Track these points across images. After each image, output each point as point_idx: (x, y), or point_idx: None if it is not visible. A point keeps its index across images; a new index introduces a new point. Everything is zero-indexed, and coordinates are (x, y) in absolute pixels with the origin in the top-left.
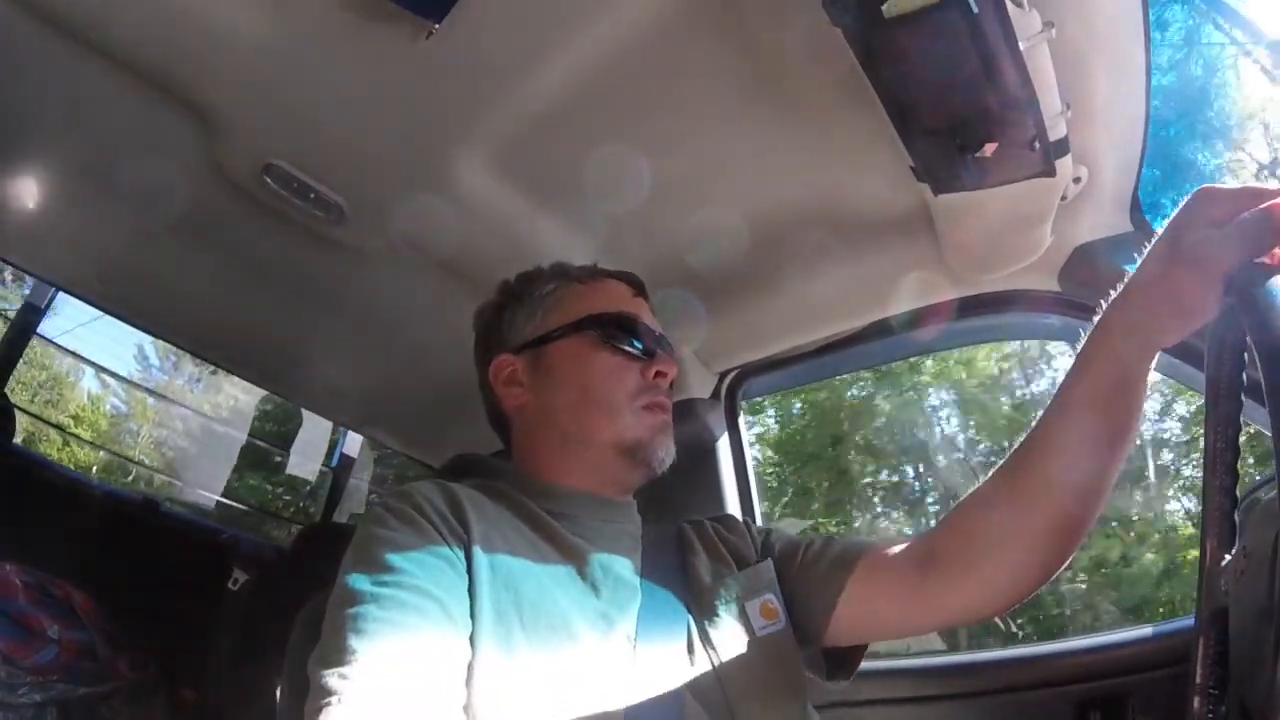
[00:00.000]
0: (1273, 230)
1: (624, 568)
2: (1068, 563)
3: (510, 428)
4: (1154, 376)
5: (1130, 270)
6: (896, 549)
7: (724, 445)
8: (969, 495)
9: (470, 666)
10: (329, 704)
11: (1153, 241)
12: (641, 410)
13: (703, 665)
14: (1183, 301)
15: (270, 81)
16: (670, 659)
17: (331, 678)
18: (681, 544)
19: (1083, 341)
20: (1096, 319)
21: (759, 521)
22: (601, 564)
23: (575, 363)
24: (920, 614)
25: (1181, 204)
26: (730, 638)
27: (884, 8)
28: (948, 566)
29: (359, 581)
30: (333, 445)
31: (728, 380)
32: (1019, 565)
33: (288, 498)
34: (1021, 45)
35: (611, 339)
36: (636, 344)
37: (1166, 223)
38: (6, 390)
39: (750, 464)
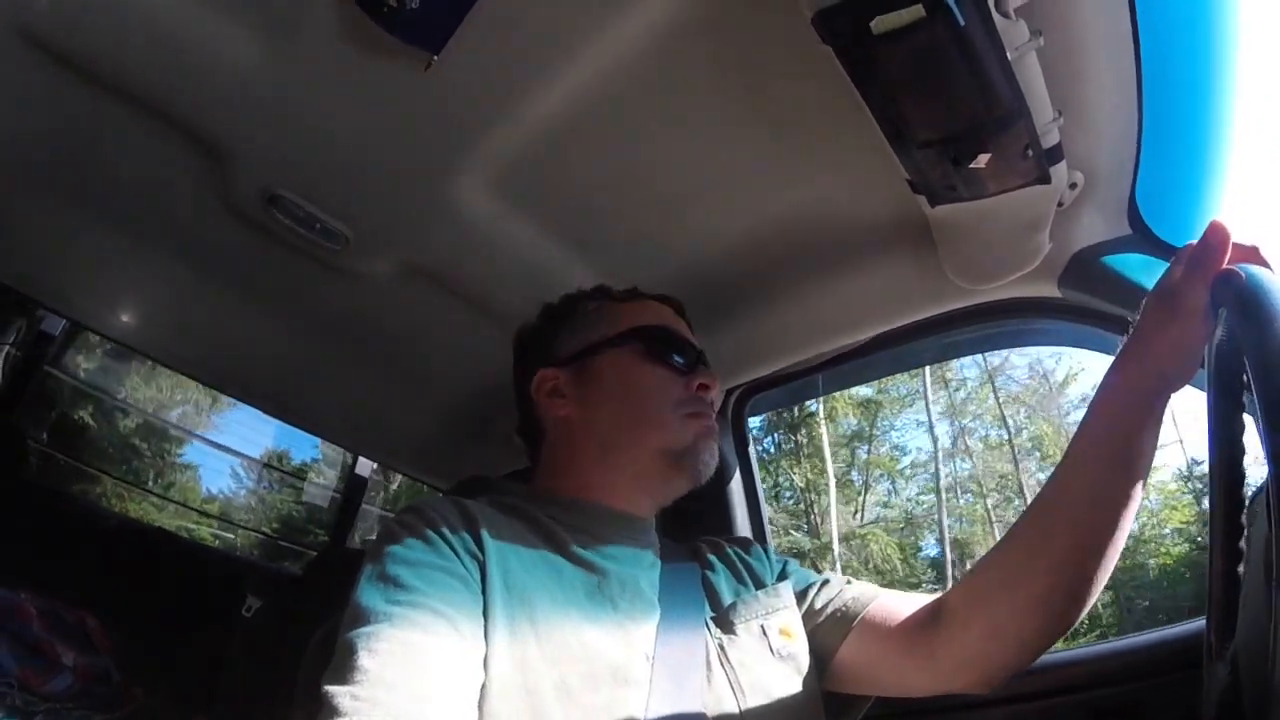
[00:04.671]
0: (1214, 245)
1: (643, 583)
2: (1072, 628)
3: (544, 441)
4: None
5: (1129, 275)
6: (908, 602)
7: (732, 462)
8: (986, 552)
9: (484, 686)
10: None
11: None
12: (686, 417)
13: (721, 683)
14: (1178, 344)
15: (273, 113)
16: (689, 676)
17: (344, 698)
18: (700, 562)
19: (1094, 395)
20: (1104, 376)
21: (769, 540)
22: (620, 578)
23: (620, 374)
24: (919, 671)
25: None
26: (749, 656)
27: (871, 25)
28: (955, 615)
29: (373, 599)
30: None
31: (734, 397)
32: (1025, 615)
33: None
34: (1010, 55)
35: (655, 351)
36: (679, 357)
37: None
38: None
39: (758, 480)
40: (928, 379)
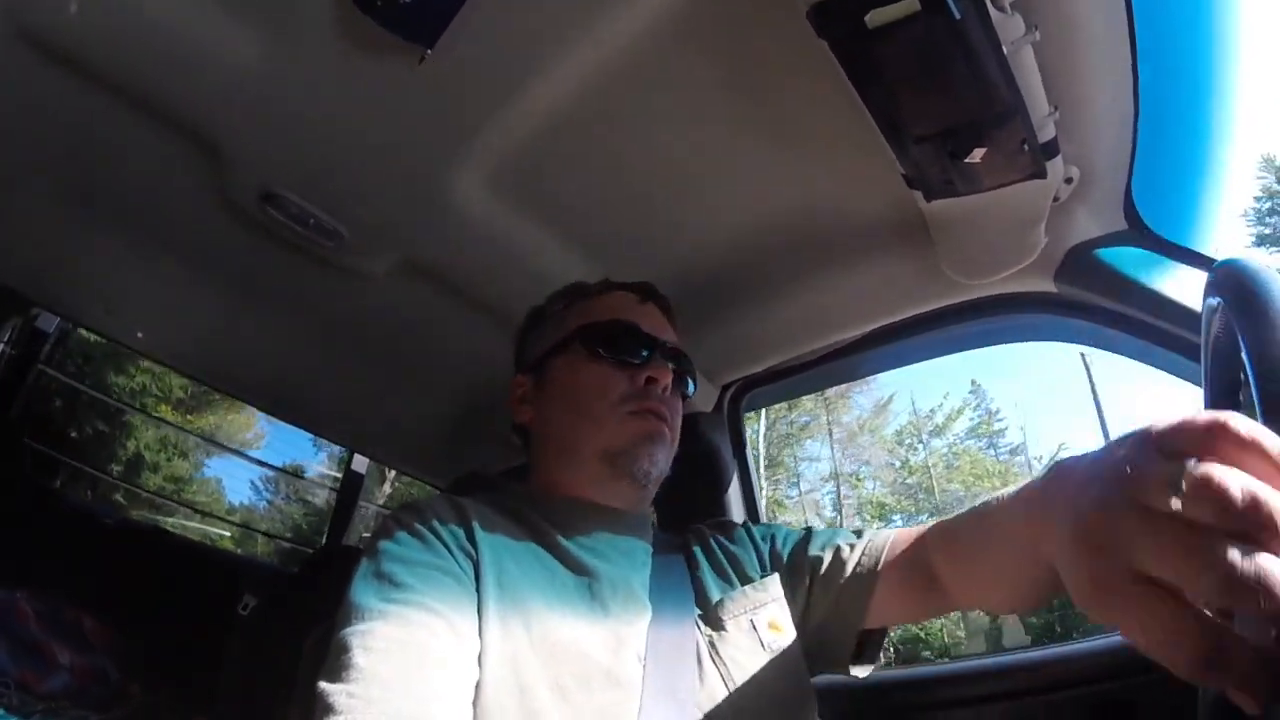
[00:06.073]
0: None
1: (634, 584)
2: None
3: (526, 442)
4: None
5: (1124, 269)
6: (918, 540)
7: (728, 460)
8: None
9: (478, 684)
10: None
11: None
12: (626, 417)
13: (713, 681)
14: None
15: (268, 111)
16: (680, 674)
17: (339, 695)
18: (689, 558)
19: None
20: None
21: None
22: (611, 581)
23: (566, 377)
24: (949, 599)
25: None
26: (740, 653)
27: (866, 19)
28: (950, 587)
29: (368, 597)
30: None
31: (729, 393)
32: (1023, 599)
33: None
34: (1006, 50)
35: (597, 349)
36: (623, 352)
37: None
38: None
39: (754, 478)
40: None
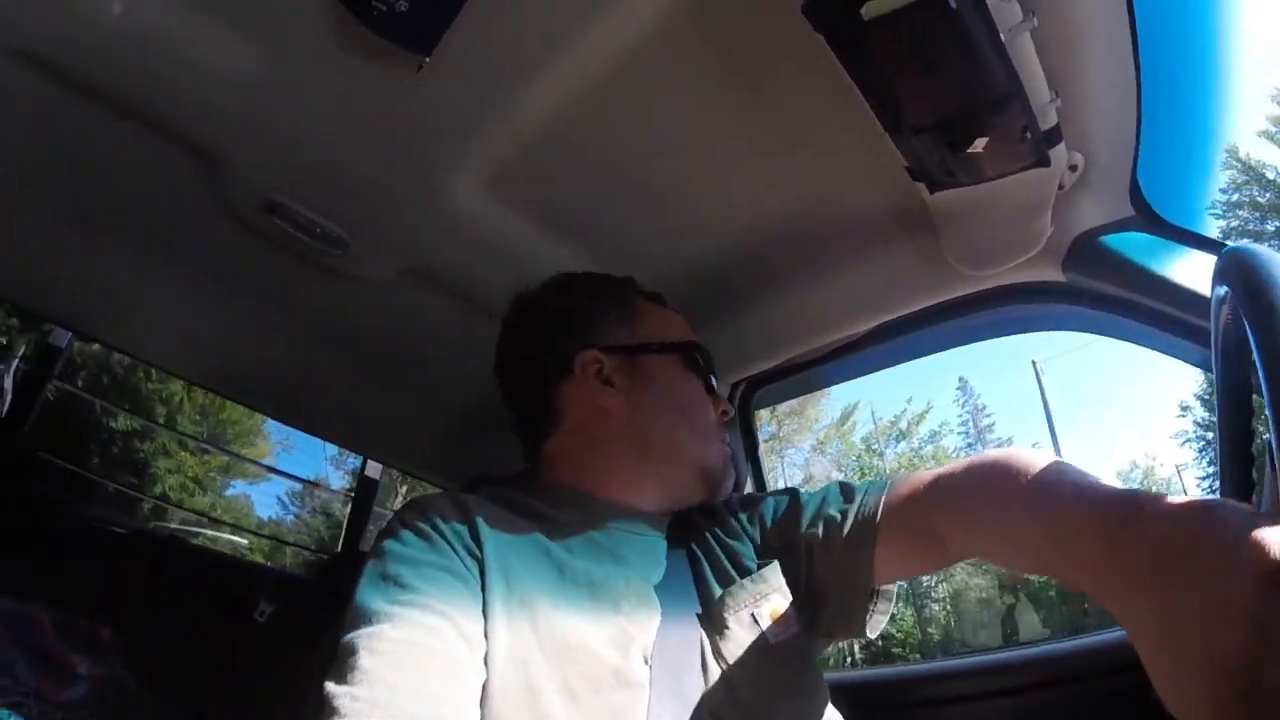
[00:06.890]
0: None
1: (645, 582)
2: None
3: (560, 426)
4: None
5: (1133, 256)
6: (915, 494)
7: (741, 459)
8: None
9: (486, 686)
10: None
11: None
12: (720, 442)
13: (718, 679)
14: None
15: (268, 120)
16: (687, 675)
17: (344, 698)
18: (691, 555)
19: None
20: None
21: None
22: (624, 579)
23: (675, 382)
24: (953, 556)
25: None
26: (742, 650)
27: (862, 10)
28: (958, 551)
29: (373, 600)
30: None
31: (739, 391)
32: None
33: None
34: (1003, 37)
35: (699, 370)
36: (709, 379)
37: None
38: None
39: (765, 474)
40: None
